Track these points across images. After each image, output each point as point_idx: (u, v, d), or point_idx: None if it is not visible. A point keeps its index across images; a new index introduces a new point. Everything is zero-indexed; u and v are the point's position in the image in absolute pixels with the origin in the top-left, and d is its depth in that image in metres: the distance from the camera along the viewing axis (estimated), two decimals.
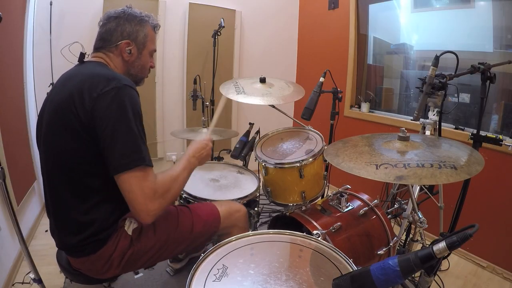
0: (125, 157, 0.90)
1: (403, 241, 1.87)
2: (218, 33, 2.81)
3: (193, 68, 3.07)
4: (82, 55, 1.07)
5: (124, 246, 1.04)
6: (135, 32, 1.08)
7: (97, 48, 1.10)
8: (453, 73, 1.43)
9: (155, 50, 1.19)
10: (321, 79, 1.68)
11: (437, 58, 1.34)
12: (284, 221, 1.51)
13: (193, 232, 1.17)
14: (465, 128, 2.15)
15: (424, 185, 1.63)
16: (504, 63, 1.47)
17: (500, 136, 1.43)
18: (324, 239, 1.25)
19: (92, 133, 0.91)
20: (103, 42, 1.08)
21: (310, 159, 1.43)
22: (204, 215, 1.21)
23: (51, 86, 2.44)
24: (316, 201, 1.56)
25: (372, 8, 2.85)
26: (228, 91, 1.67)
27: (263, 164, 1.48)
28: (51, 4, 2.45)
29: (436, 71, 1.34)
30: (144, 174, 0.93)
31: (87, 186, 0.97)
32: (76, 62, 1.09)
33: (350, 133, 1.46)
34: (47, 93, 2.38)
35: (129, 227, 1.05)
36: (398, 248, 1.72)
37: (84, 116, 0.90)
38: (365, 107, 2.87)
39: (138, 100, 0.98)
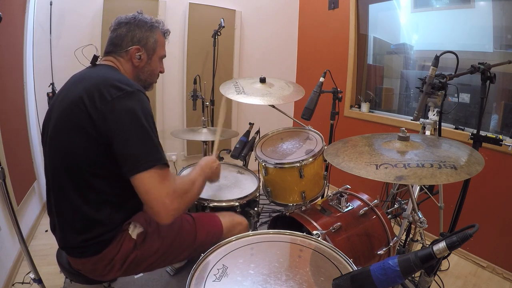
0: (142, 157, 0.91)
1: (403, 241, 1.88)
2: (218, 33, 2.82)
3: (193, 68, 3.07)
4: (95, 57, 1.08)
5: (128, 249, 1.04)
6: (145, 38, 1.10)
7: (107, 53, 1.11)
8: (453, 73, 1.43)
9: (165, 56, 1.21)
10: (321, 79, 1.68)
11: (437, 58, 1.34)
12: (284, 221, 1.51)
13: (196, 240, 1.17)
14: (465, 128, 2.15)
15: (424, 185, 1.63)
16: (504, 63, 1.47)
17: (500, 136, 1.43)
18: (324, 239, 1.25)
19: (105, 135, 0.91)
20: (114, 47, 1.09)
21: (310, 159, 1.43)
22: (207, 225, 1.22)
23: (51, 86, 2.44)
24: (316, 201, 1.56)
25: (372, 8, 2.85)
26: (228, 91, 1.67)
27: (263, 164, 1.48)
28: (51, 4, 2.45)
29: (436, 71, 1.34)
30: (163, 173, 0.93)
31: (92, 187, 0.97)
32: (86, 65, 1.10)
33: (350, 133, 1.46)
34: (48, 93, 2.41)
35: (134, 231, 1.05)
36: (398, 248, 1.73)
37: (97, 117, 0.91)
38: (365, 107, 2.87)
39: (149, 105, 0.99)
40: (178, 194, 0.97)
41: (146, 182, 0.91)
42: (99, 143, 0.92)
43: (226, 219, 1.28)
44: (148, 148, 0.92)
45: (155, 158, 0.92)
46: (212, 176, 1.25)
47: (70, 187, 0.97)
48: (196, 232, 1.18)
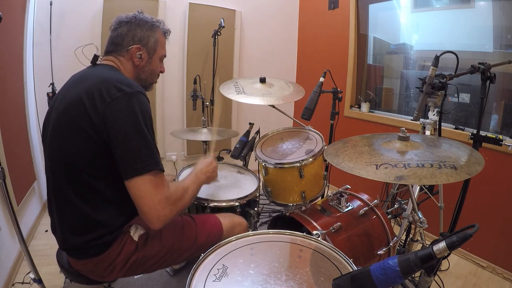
0: (138, 162, 0.90)
1: (403, 241, 1.88)
2: (218, 33, 2.82)
3: (193, 68, 3.07)
4: (96, 57, 1.07)
5: (129, 251, 1.04)
6: (146, 37, 1.09)
7: (108, 52, 1.10)
8: (453, 73, 1.43)
9: (165, 56, 1.20)
10: (321, 79, 1.68)
11: (437, 58, 1.34)
12: (284, 221, 1.51)
13: (197, 242, 1.17)
14: (465, 128, 2.15)
15: (424, 185, 1.63)
16: (504, 63, 1.47)
17: (500, 136, 1.43)
18: (324, 239, 1.25)
19: (103, 136, 0.91)
20: (114, 46, 1.09)
21: (310, 159, 1.43)
22: (208, 227, 1.22)
23: (51, 86, 2.44)
24: (316, 201, 1.56)
25: (372, 8, 2.86)
26: (228, 91, 1.67)
27: (263, 164, 1.48)
28: (51, 4, 2.45)
29: (436, 71, 1.34)
30: (157, 179, 0.93)
31: (91, 188, 0.97)
32: (86, 64, 1.10)
33: (350, 133, 1.46)
34: (48, 93, 2.41)
35: (135, 233, 1.05)
36: (398, 248, 1.73)
37: (96, 118, 0.91)
38: (365, 107, 2.87)
39: (149, 106, 0.99)
40: (171, 201, 0.96)
41: (140, 187, 0.91)
42: (98, 144, 0.92)
43: (226, 220, 1.28)
44: (144, 153, 0.92)
45: (151, 163, 0.92)
46: (208, 180, 1.25)
47: (69, 188, 0.97)
48: (197, 233, 1.18)
